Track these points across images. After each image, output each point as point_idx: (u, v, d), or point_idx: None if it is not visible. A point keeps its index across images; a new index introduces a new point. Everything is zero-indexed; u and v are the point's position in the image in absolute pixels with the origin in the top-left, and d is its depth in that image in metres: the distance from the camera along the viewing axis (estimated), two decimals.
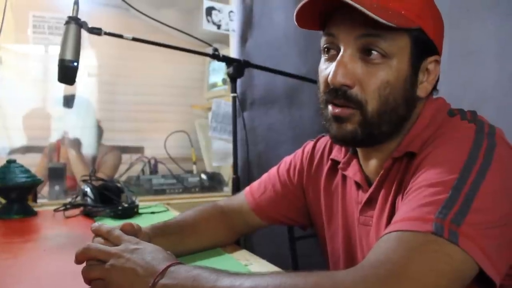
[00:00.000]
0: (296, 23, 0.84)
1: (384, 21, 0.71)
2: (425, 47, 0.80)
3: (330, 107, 0.81)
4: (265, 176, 1.14)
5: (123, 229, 0.80)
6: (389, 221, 0.68)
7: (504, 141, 0.74)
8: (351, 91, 0.77)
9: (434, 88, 0.86)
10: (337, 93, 0.78)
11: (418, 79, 0.81)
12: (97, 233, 0.79)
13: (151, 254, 0.69)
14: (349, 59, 0.77)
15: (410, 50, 0.78)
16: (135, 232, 0.82)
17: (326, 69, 0.81)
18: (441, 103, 0.85)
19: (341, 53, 0.78)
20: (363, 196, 0.89)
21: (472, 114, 0.80)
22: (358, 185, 0.91)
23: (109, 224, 1.32)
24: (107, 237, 0.77)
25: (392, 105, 0.78)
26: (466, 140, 0.72)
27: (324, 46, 0.82)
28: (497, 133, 0.74)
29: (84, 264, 0.72)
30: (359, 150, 0.91)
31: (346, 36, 0.78)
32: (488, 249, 0.61)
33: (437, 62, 0.83)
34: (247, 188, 1.14)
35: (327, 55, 0.82)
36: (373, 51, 0.76)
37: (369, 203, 0.87)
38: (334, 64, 0.78)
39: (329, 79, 0.78)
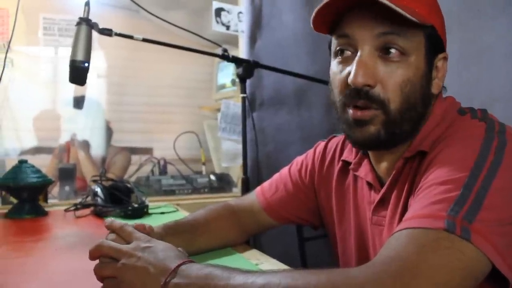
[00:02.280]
0: (312, 26, 0.83)
1: (410, 17, 0.71)
2: (436, 44, 0.81)
3: (350, 111, 0.79)
4: (276, 176, 1.14)
5: (135, 228, 0.80)
6: (400, 220, 0.68)
7: None
8: (373, 90, 0.76)
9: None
10: (359, 94, 0.77)
11: (432, 77, 0.82)
12: (110, 229, 0.79)
13: (162, 252, 0.69)
14: (369, 58, 0.76)
15: (425, 47, 0.79)
16: (147, 233, 0.81)
17: (342, 71, 0.80)
18: (451, 101, 0.85)
19: (359, 52, 0.77)
20: (376, 196, 0.88)
21: (482, 112, 0.80)
22: (370, 185, 0.91)
23: None
24: (119, 233, 0.77)
25: (412, 102, 0.78)
26: (477, 138, 0.72)
27: (338, 48, 0.81)
28: (507, 131, 0.74)
29: (97, 261, 0.72)
30: (370, 152, 0.90)
31: (363, 35, 0.77)
32: (500, 246, 0.61)
33: (445, 59, 0.85)
34: (258, 188, 1.14)
35: (340, 57, 0.81)
36: (391, 49, 0.76)
37: (382, 203, 0.87)
38: (353, 65, 0.77)
39: (350, 80, 0.77)
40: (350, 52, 0.79)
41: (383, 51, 0.77)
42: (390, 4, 0.71)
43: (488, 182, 0.65)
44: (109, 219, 0.81)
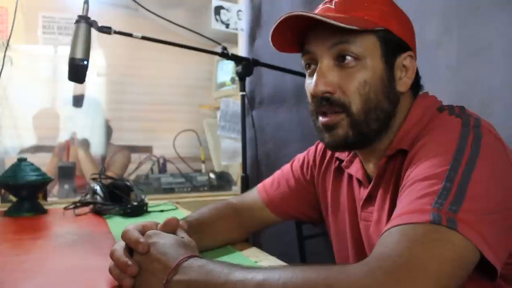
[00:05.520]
0: (276, 49, 0.92)
1: (348, 26, 0.78)
2: (395, 45, 0.85)
3: (320, 118, 0.86)
4: (278, 172, 1.17)
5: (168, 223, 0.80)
6: (389, 218, 0.69)
7: (490, 132, 0.76)
8: (334, 96, 0.83)
9: (417, 84, 0.91)
10: (322, 101, 0.84)
11: (396, 75, 0.86)
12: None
13: (165, 248, 0.70)
14: (327, 68, 0.84)
15: (380, 49, 0.84)
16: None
17: (310, 83, 0.87)
18: (431, 100, 0.89)
19: (318, 64, 0.85)
20: (364, 193, 0.92)
21: (460, 109, 0.83)
22: (360, 182, 0.95)
23: (119, 222, 1.34)
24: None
25: (374, 101, 0.83)
26: (453, 134, 0.74)
27: (305, 63, 0.90)
28: (482, 125, 0.76)
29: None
30: (357, 151, 0.95)
31: (320, 49, 0.85)
32: (486, 235, 0.62)
33: (412, 57, 0.88)
34: (260, 185, 1.17)
35: (309, 71, 0.89)
36: (346, 57, 0.82)
37: (369, 199, 0.91)
38: (314, 76, 0.84)
39: (311, 90, 0.85)
40: (314, 66, 0.87)
41: (339, 60, 0.83)
42: (329, 21, 0.78)
43: (468, 174, 0.67)
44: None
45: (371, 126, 0.84)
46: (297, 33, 0.88)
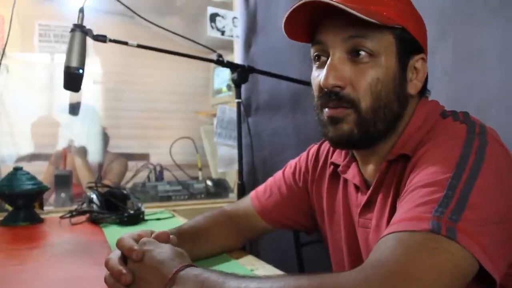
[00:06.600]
0: (286, 35, 0.88)
1: (369, 19, 0.74)
2: (410, 45, 0.83)
3: (326, 110, 0.83)
4: (270, 180, 1.15)
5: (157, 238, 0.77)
6: (388, 224, 0.68)
7: (495, 140, 0.75)
8: (344, 91, 0.80)
9: (425, 87, 0.88)
10: (331, 95, 0.81)
11: (407, 77, 0.84)
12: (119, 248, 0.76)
13: (161, 258, 0.70)
14: (339, 61, 0.80)
15: (395, 48, 0.81)
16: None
17: (319, 75, 0.84)
18: (434, 105, 0.87)
19: (330, 57, 0.81)
20: (362, 199, 0.90)
21: (464, 115, 0.82)
22: (357, 188, 0.92)
23: (115, 230, 1.33)
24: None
25: (384, 101, 0.80)
26: (458, 140, 0.73)
27: (315, 54, 0.86)
28: (488, 132, 0.75)
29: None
30: (356, 154, 0.92)
31: (333, 40, 0.81)
32: (486, 245, 0.61)
33: (424, 60, 0.86)
34: (253, 192, 1.15)
35: (318, 63, 0.85)
36: (360, 52, 0.79)
37: (368, 205, 0.89)
38: (325, 69, 0.81)
39: (321, 83, 0.81)
40: (325, 57, 0.83)
41: (353, 54, 0.80)
42: (351, 11, 0.74)
43: (471, 182, 0.66)
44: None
45: (378, 126, 0.81)
46: (309, 21, 0.84)
